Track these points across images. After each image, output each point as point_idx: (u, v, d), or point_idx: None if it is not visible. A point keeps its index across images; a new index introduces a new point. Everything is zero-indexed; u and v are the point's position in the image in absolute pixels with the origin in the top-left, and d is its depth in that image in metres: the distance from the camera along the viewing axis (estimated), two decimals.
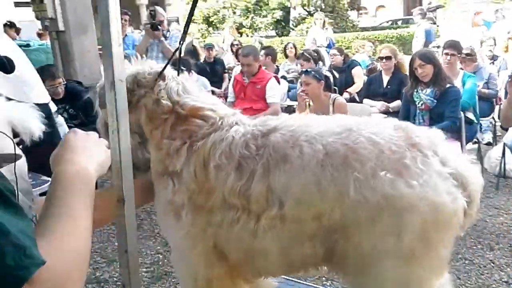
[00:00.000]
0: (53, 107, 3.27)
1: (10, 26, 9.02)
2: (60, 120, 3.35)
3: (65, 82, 4.75)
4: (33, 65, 5.30)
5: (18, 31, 9.52)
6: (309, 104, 4.50)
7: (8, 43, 3.11)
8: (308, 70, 4.63)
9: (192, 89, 1.46)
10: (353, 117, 1.35)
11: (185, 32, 1.42)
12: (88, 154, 1.01)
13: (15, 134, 1.73)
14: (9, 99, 3.03)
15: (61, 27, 6.11)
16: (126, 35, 7.62)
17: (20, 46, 8.30)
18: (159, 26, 6.02)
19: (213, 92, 7.35)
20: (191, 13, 1.42)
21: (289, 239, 1.25)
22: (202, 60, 8.44)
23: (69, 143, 1.04)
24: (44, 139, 2.70)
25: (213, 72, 7.98)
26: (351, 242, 1.19)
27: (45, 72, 4.72)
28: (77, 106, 4.73)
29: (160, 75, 1.41)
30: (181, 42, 1.43)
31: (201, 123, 1.37)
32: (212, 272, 1.36)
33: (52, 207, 0.86)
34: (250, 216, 1.26)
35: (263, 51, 7.01)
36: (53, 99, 4.88)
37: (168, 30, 6.36)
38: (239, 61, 6.96)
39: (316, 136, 1.24)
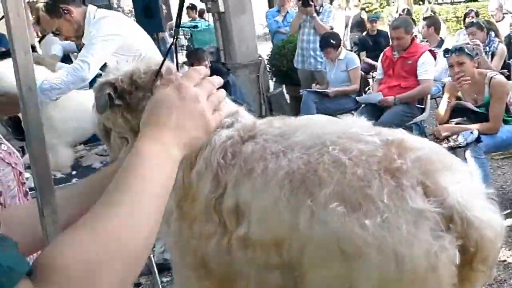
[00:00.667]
0: None
1: (191, 8, 9.87)
2: None
3: (210, 64, 5.01)
4: (200, 44, 5.80)
5: (201, 13, 10.33)
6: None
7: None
8: (460, 46, 3.97)
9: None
10: (349, 124, 1.08)
11: (177, 26, 1.33)
12: (181, 127, 0.83)
13: None
14: None
15: (221, 8, 6.45)
16: (287, 12, 7.68)
17: (190, 27, 9.09)
18: (310, 2, 5.88)
19: (372, 67, 6.95)
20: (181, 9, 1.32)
21: (259, 264, 1.09)
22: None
23: (167, 106, 0.85)
24: None
25: (376, 45, 7.52)
26: (305, 283, 0.97)
27: (192, 56, 5.05)
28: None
29: (158, 74, 1.34)
30: (175, 37, 1.34)
31: None
32: (202, 285, 1.28)
33: (111, 190, 0.72)
34: (225, 232, 1.14)
35: (424, 22, 6.30)
36: None
37: (322, 6, 6.18)
38: None
39: (286, 149, 1.04)
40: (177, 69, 1.46)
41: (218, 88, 0.97)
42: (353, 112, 5.56)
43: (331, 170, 0.92)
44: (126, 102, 1.37)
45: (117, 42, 3.06)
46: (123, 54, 3.15)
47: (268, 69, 6.94)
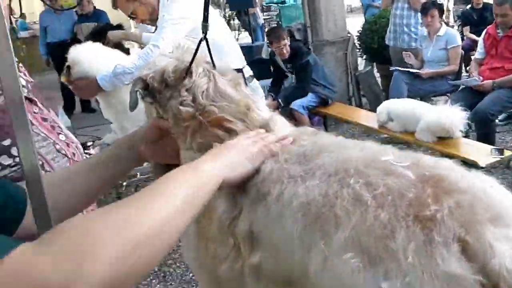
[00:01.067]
0: (247, 72, 3.35)
1: None
2: (254, 84, 3.42)
3: (289, 43, 4.84)
4: (287, 20, 5.72)
5: None
6: None
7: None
8: None
9: (225, 87, 1.23)
10: (381, 150, 0.89)
11: (205, 19, 1.23)
12: (220, 153, 0.97)
13: None
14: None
15: None
16: None
17: (277, 3, 8.85)
18: None
19: (475, 44, 6.29)
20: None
21: None
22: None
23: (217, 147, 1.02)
24: None
25: (481, 19, 6.78)
26: None
27: (272, 34, 4.91)
28: (296, 66, 4.82)
29: (187, 72, 1.24)
30: (205, 33, 1.24)
31: (222, 135, 1.15)
32: None
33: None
34: (238, 257, 1.02)
35: None
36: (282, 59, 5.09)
37: None
38: None
39: (305, 174, 0.88)
40: (213, 66, 1.36)
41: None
42: (448, 95, 5.09)
43: (349, 209, 0.76)
44: (156, 100, 1.29)
45: (188, 26, 3.01)
46: (195, 38, 3.09)
47: (358, 46, 6.57)
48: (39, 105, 1.49)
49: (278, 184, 0.91)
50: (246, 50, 7.38)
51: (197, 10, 3.37)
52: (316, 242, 0.79)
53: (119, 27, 4.73)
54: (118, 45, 4.58)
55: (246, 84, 3.24)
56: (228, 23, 10.70)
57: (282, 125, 1.19)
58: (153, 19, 3.20)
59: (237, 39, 10.66)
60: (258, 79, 6.01)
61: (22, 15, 14.19)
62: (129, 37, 4.39)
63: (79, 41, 3.78)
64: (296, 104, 4.90)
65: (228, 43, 3.23)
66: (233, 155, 0.97)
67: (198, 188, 0.81)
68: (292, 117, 5.03)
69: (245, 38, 9.60)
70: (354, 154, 0.87)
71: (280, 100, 5.00)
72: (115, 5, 3.21)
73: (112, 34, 4.21)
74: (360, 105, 6.13)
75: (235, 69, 3.20)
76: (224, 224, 1.04)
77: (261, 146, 1.02)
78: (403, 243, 0.69)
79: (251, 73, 3.41)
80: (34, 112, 1.45)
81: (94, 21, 7.13)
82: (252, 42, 7.99)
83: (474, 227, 0.68)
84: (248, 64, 6.55)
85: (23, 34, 13.30)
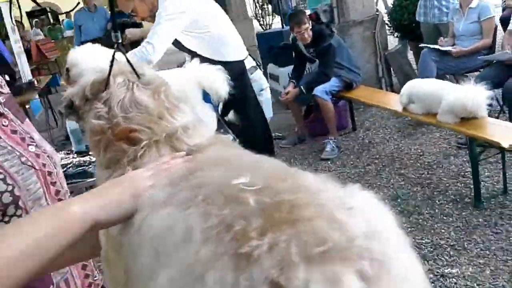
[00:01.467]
0: (250, 63, 3.27)
1: None
2: (256, 76, 3.32)
3: (311, 26, 4.68)
4: (313, 2, 5.53)
5: None
6: None
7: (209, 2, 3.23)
8: None
9: (142, 96, 1.18)
10: (244, 169, 0.79)
11: (114, 28, 1.19)
12: (96, 195, 0.89)
13: None
14: (206, 58, 3.24)
15: None
16: None
17: None
18: None
19: None
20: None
21: None
22: None
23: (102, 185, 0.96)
24: (235, 95, 2.83)
25: None
26: None
27: (293, 19, 4.76)
28: (318, 50, 4.65)
29: (107, 84, 1.20)
30: (116, 42, 1.21)
31: (126, 148, 1.11)
32: None
33: None
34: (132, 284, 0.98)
35: None
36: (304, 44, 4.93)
37: None
38: None
39: (166, 200, 0.80)
40: (137, 76, 1.31)
41: None
42: (480, 71, 4.75)
43: (178, 245, 0.69)
44: (80, 117, 1.27)
45: (184, 20, 2.98)
46: (192, 32, 3.06)
47: (388, 23, 6.27)
48: (11, 117, 1.51)
49: (141, 212, 0.86)
50: (277, 35, 7.26)
51: (195, 3, 3.31)
52: (149, 282, 0.73)
53: (135, 24, 4.76)
54: (136, 43, 4.63)
55: (245, 75, 3.17)
56: (262, 8, 10.57)
57: (195, 134, 1.12)
58: (153, 16, 3.19)
59: (271, 24, 10.51)
60: (283, 66, 5.91)
61: (67, 15, 14.74)
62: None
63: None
64: (318, 90, 4.74)
65: (228, 35, 3.17)
66: (115, 193, 0.88)
67: (53, 232, 0.76)
68: (316, 103, 4.90)
69: (278, 23, 9.44)
70: (214, 176, 0.80)
71: (302, 87, 4.87)
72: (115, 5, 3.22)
73: (130, 32, 4.26)
74: (391, 86, 5.87)
75: (236, 61, 3.16)
76: (117, 247, 1.00)
77: (160, 177, 0.91)
78: (215, 285, 0.62)
79: (253, 64, 3.33)
80: (3, 125, 1.47)
81: (126, 18, 7.25)
82: (282, 27, 7.83)
83: (288, 267, 0.59)
84: (274, 50, 6.40)
85: (68, 33, 13.76)
